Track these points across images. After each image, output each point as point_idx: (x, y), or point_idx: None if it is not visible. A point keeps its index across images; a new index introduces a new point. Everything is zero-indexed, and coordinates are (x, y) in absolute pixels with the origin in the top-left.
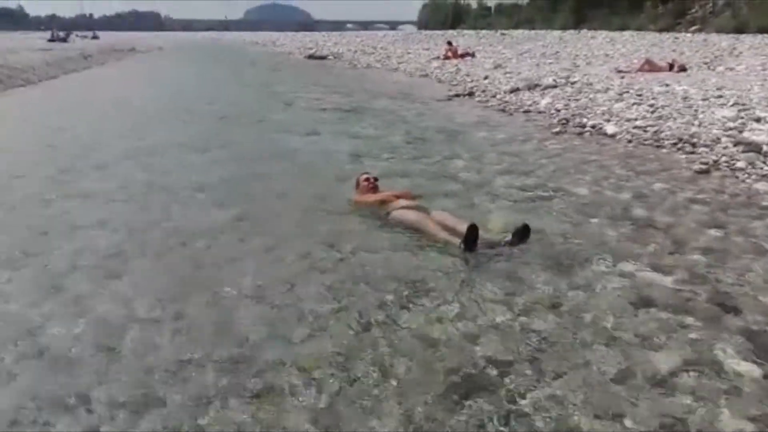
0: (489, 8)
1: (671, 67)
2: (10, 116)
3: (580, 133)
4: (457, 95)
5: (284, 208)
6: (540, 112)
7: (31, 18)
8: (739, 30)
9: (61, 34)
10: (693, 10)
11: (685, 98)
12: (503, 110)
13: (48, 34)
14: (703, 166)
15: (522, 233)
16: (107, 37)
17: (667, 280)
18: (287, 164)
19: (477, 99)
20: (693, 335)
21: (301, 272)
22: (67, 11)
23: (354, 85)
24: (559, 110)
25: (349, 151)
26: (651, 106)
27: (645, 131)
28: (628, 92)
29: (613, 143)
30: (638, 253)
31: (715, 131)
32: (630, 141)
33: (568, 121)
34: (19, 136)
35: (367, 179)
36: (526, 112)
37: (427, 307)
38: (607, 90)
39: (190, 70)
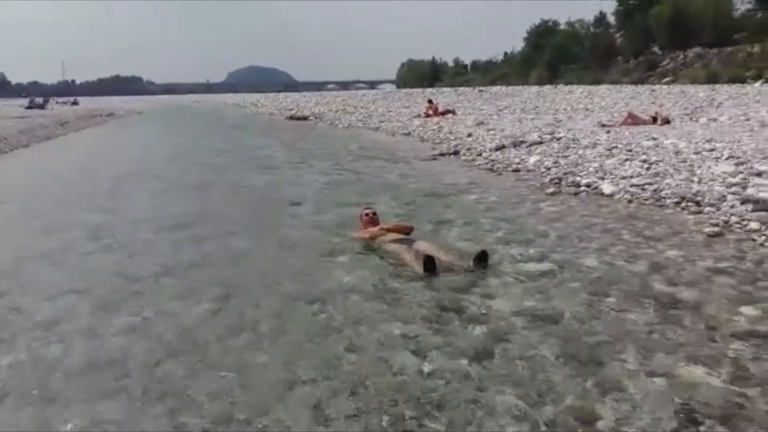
0: (465, 66)
1: (655, 120)
2: None
3: (576, 193)
4: (442, 154)
5: (265, 296)
6: (530, 171)
7: (13, 85)
8: (712, 81)
9: (39, 100)
10: (665, 63)
11: (676, 152)
12: (491, 169)
13: (27, 101)
14: (715, 228)
15: (481, 258)
16: (88, 102)
17: (713, 380)
18: (267, 239)
19: (463, 158)
20: None
21: (278, 388)
22: (49, 78)
23: (335, 146)
24: (549, 168)
25: (333, 222)
26: (644, 161)
27: (644, 189)
28: (616, 147)
29: (612, 203)
30: (670, 341)
31: (717, 188)
32: (630, 201)
33: (560, 180)
34: None
35: (366, 213)
36: (516, 171)
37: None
38: (595, 145)
39: (166, 135)
